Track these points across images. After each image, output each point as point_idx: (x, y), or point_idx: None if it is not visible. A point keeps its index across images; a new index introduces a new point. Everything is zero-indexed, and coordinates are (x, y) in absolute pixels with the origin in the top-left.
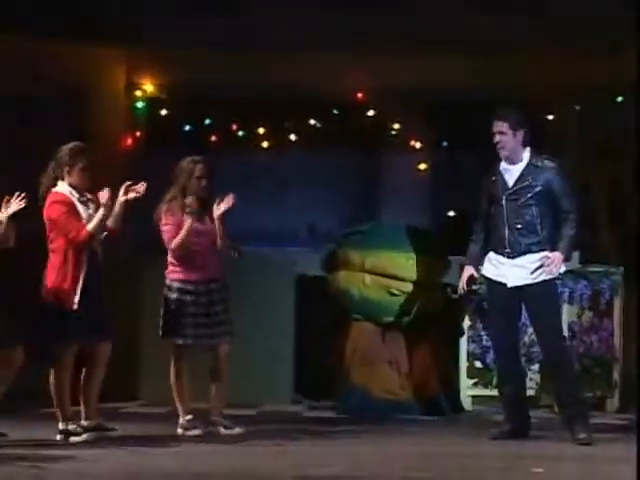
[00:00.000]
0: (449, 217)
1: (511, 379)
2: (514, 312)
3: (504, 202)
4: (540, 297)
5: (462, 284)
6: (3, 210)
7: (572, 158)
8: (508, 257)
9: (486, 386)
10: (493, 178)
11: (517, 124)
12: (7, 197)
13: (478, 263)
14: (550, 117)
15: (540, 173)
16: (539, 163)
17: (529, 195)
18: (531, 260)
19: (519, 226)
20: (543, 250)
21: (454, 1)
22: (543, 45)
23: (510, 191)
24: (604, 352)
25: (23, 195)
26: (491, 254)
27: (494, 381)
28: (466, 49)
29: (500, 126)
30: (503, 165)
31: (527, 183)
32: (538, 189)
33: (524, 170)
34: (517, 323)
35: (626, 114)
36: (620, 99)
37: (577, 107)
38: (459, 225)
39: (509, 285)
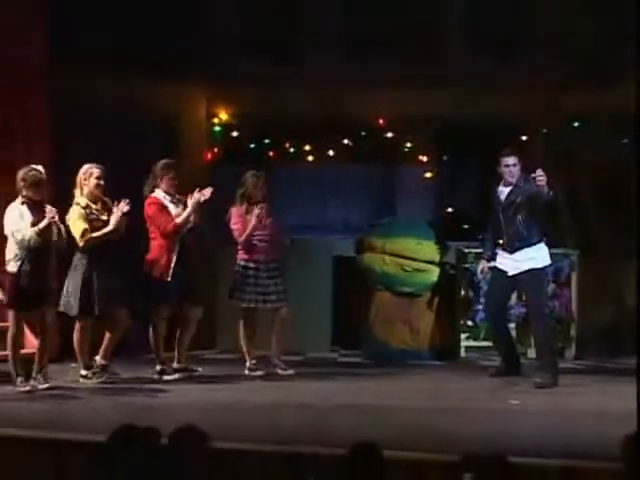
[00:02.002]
0: (448, 213)
1: (500, 335)
2: (508, 291)
3: (500, 214)
4: (530, 281)
5: (479, 272)
6: (115, 210)
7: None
8: (508, 252)
9: (475, 339)
10: (495, 196)
11: (520, 157)
12: (117, 201)
13: (490, 255)
14: (524, 137)
15: (522, 191)
16: (521, 184)
17: (515, 208)
18: (523, 254)
19: (510, 232)
20: (531, 245)
21: (457, 51)
22: (519, 83)
23: (502, 206)
24: (564, 314)
25: (128, 201)
26: (499, 250)
27: (481, 335)
28: (462, 86)
29: (514, 160)
30: (500, 187)
31: (512, 200)
32: (520, 202)
33: (511, 190)
34: (508, 298)
35: (581, 135)
36: (576, 124)
37: (544, 130)
38: (455, 219)
39: (509, 274)
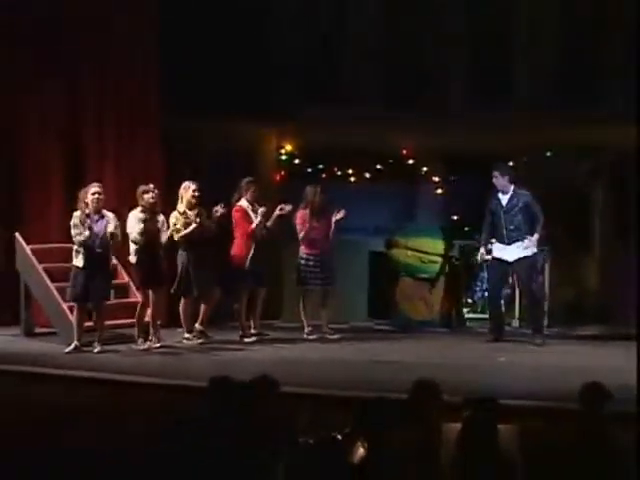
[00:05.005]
0: (453, 219)
1: (495, 310)
2: (504, 275)
3: (502, 214)
4: (526, 265)
5: (479, 257)
6: (214, 215)
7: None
8: (507, 244)
9: (474, 312)
10: (495, 202)
11: (505, 172)
12: (216, 207)
13: (487, 248)
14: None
15: (520, 197)
16: (518, 191)
17: (516, 210)
18: (518, 244)
19: (512, 227)
20: (524, 238)
21: (455, 99)
22: (506, 124)
23: (504, 209)
24: (539, 293)
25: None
26: (496, 244)
27: (478, 309)
28: (464, 125)
29: (496, 172)
30: (499, 195)
31: (514, 203)
32: (520, 206)
33: (511, 196)
34: (505, 282)
35: (552, 162)
36: (549, 154)
37: (524, 158)
38: (459, 224)
39: (510, 260)
